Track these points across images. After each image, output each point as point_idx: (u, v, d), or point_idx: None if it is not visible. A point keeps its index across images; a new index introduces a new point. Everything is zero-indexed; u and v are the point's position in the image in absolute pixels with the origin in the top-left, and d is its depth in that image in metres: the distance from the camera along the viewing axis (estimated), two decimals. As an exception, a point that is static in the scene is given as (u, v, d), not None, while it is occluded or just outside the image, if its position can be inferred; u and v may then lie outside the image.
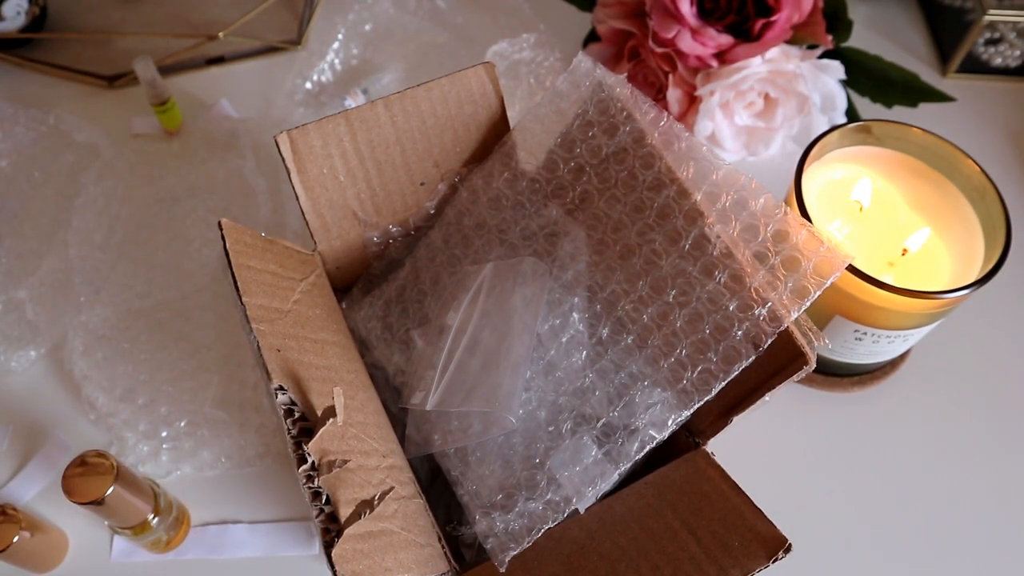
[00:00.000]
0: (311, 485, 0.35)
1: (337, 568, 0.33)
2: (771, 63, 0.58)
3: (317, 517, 0.35)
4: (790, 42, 0.60)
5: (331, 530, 0.34)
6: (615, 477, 0.39)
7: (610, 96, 0.43)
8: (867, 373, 0.55)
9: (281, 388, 0.36)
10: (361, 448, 0.38)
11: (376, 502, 0.36)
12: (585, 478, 0.39)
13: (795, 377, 0.37)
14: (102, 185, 0.62)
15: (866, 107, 0.65)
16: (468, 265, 0.47)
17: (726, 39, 0.57)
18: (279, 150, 0.44)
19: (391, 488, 0.38)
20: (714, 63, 0.59)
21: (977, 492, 0.51)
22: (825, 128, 0.61)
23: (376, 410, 0.42)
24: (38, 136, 0.66)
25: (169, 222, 0.61)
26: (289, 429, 0.36)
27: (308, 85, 0.68)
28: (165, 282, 0.58)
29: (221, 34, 0.68)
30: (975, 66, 0.71)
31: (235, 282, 0.39)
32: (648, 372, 0.40)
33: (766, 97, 0.61)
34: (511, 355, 0.40)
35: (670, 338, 0.40)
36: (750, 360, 0.37)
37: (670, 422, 0.39)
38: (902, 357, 0.56)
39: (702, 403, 0.39)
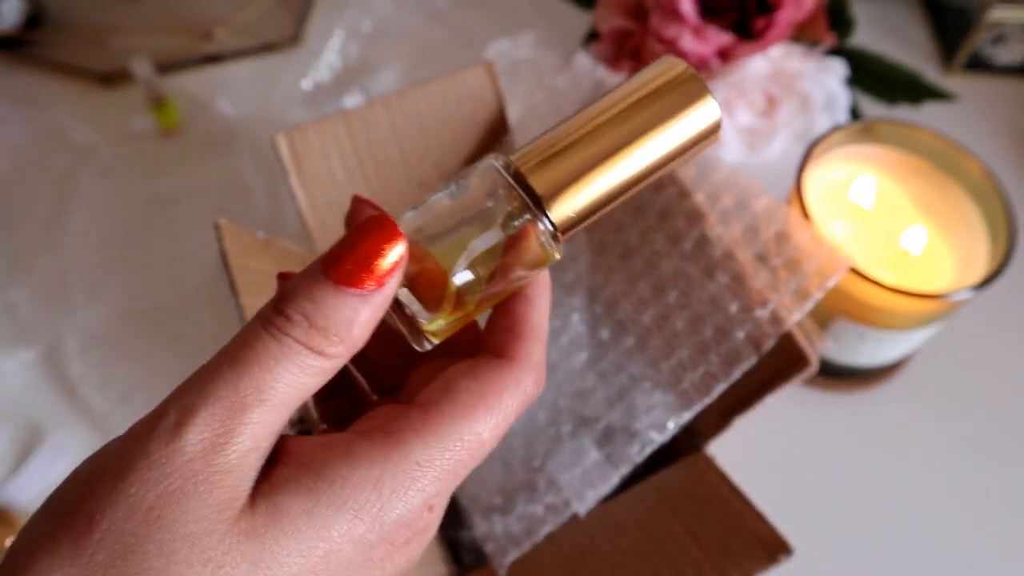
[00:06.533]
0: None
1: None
2: (773, 62, 0.58)
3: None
4: (792, 40, 0.60)
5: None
6: (615, 480, 0.39)
7: (610, 95, 0.43)
8: (870, 375, 0.54)
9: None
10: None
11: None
12: (585, 481, 0.39)
13: (797, 379, 0.37)
14: (98, 185, 0.62)
15: (869, 106, 0.64)
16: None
17: (727, 38, 0.57)
18: (277, 150, 0.43)
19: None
20: (715, 62, 0.58)
21: (981, 495, 0.51)
22: (827, 127, 0.60)
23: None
24: (34, 135, 0.65)
25: (166, 222, 0.61)
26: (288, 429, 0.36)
27: (306, 84, 0.68)
28: (162, 283, 0.57)
29: (218, 32, 0.67)
30: (980, 64, 0.71)
31: (232, 283, 0.39)
32: (649, 374, 0.40)
33: (768, 96, 0.60)
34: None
35: (671, 340, 0.39)
36: (751, 362, 0.37)
37: (671, 424, 0.39)
38: (906, 359, 0.55)
39: (703, 405, 0.38)
